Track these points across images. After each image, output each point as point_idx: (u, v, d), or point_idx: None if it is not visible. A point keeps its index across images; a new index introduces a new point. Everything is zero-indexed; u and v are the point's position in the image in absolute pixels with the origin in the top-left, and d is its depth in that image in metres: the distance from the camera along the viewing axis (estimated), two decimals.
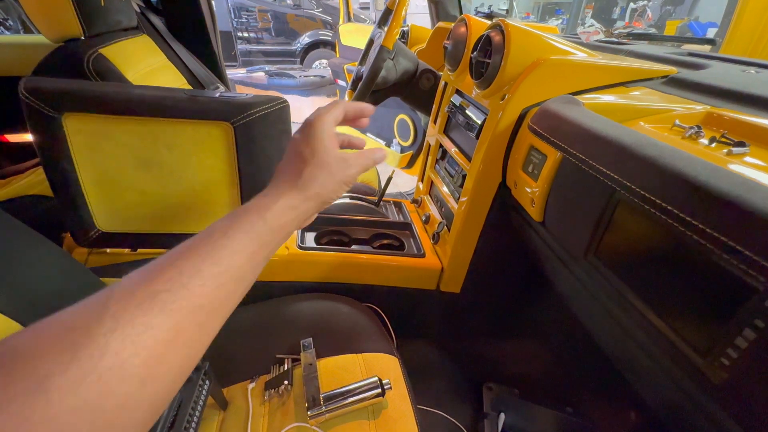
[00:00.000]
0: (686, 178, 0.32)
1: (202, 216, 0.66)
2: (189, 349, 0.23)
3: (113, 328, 0.20)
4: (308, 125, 0.34)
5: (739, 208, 0.28)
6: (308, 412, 0.49)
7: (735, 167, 0.39)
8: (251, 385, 0.55)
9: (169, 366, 0.21)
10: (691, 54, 0.84)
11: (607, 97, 0.61)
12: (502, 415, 0.73)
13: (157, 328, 0.21)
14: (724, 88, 0.57)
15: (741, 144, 0.43)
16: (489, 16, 1.34)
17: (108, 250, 0.69)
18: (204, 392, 0.47)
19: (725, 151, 0.43)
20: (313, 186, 0.32)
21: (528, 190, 0.60)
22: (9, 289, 0.47)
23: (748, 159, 0.42)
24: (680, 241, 0.33)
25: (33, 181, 1.01)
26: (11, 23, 2.25)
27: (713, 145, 0.45)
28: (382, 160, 0.38)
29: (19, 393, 0.17)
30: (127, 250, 0.70)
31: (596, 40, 1.08)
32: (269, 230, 0.29)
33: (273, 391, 0.53)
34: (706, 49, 1.05)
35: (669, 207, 0.33)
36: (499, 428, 0.72)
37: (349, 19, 2.95)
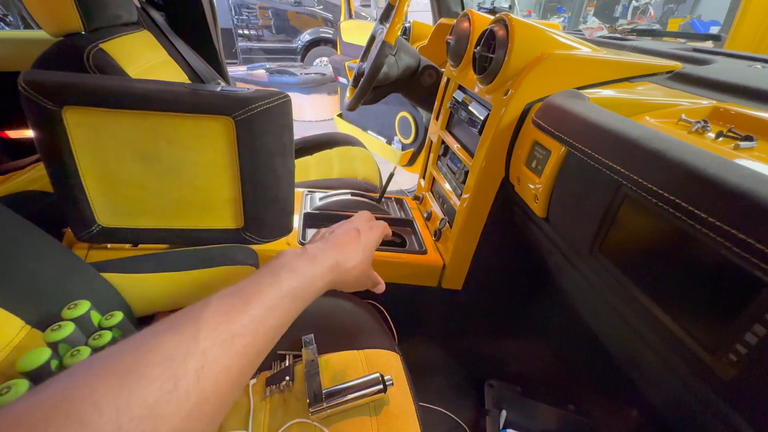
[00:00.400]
0: (695, 171, 0.32)
1: (202, 211, 0.66)
2: (238, 376, 0.25)
3: (203, 366, 0.22)
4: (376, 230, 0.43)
5: (749, 201, 0.27)
6: (310, 408, 0.49)
7: (743, 161, 0.38)
8: (252, 381, 0.54)
9: (227, 397, 0.24)
10: (696, 50, 0.83)
11: (612, 92, 0.61)
12: (504, 412, 0.73)
13: (233, 368, 0.24)
14: (731, 82, 0.57)
15: (748, 138, 0.42)
16: (492, 11, 1.33)
17: (108, 246, 0.69)
18: None
19: (732, 145, 0.43)
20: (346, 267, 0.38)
21: (531, 186, 0.59)
22: (9, 285, 0.47)
23: (756, 153, 0.41)
24: (688, 236, 0.33)
25: (33, 177, 1.00)
26: (11, 19, 2.24)
27: (720, 139, 0.45)
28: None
29: None
30: (127, 246, 0.70)
31: (599, 36, 1.07)
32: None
33: (274, 386, 0.53)
34: (710, 45, 1.04)
35: (677, 200, 0.32)
36: (501, 425, 0.71)
37: (350, 16, 2.94)
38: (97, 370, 0.19)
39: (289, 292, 0.30)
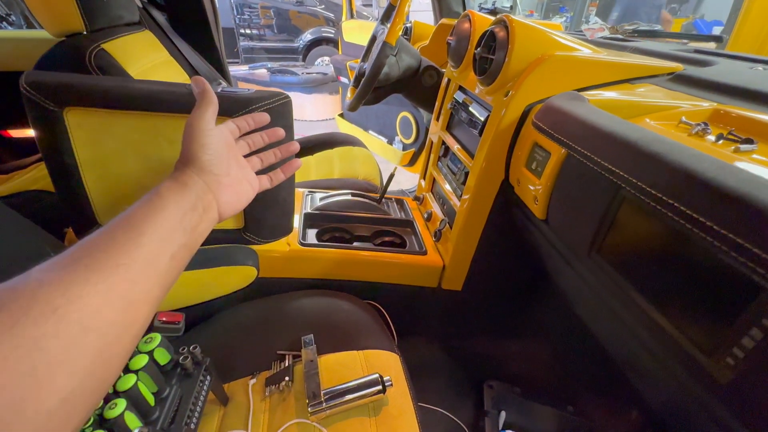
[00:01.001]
0: (694, 174, 0.32)
1: None
2: (125, 304, 0.26)
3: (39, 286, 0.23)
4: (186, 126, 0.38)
5: (747, 205, 0.27)
6: (309, 408, 0.49)
7: (743, 165, 0.38)
8: (252, 381, 0.55)
9: (106, 317, 0.24)
10: (697, 51, 0.83)
11: (612, 94, 0.60)
12: (503, 413, 0.73)
13: (106, 306, 0.24)
14: (732, 85, 0.56)
15: (749, 141, 0.42)
16: (493, 12, 1.33)
17: None
18: (205, 388, 0.47)
19: (733, 148, 0.43)
20: (186, 156, 0.36)
21: (531, 187, 0.59)
22: None
23: (756, 156, 0.41)
24: (686, 239, 0.33)
25: (35, 177, 1.01)
26: (14, 18, 2.25)
27: (720, 142, 0.45)
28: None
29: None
30: None
31: (601, 37, 1.07)
32: (170, 206, 0.32)
33: (274, 387, 0.53)
34: (712, 46, 1.03)
35: (675, 203, 0.32)
36: (500, 426, 0.71)
37: (352, 16, 2.94)
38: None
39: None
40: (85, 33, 0.78)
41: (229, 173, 0.38)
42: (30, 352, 0.20)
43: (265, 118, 0.46)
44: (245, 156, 0.45)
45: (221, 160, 0.37)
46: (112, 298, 0.25)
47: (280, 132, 0.47)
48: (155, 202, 0.31)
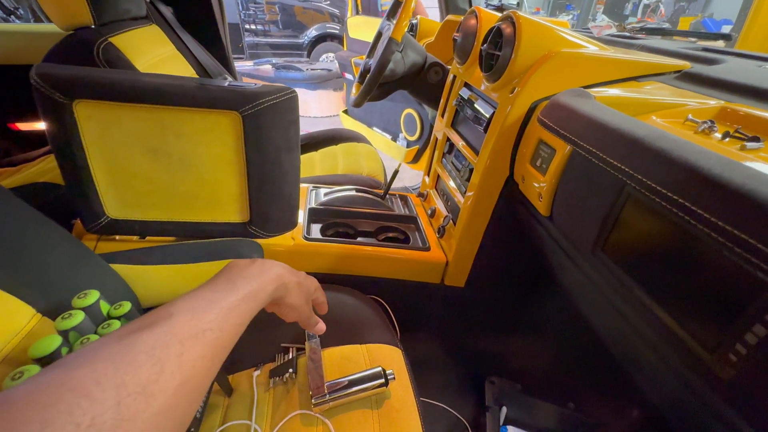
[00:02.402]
0: (700, 170, 0.32)
1: (209, 205, 0.67)
2: (212, 375, 0.28)
3: (182, 353, 0.25)
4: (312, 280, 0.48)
5: (753, 202, 0.27)
6: (312, 400, 0.49)
7: (749, 163, 0.38)
8: (256, 373, 0.55)
9: (203, 388, 0.26)
10: (705, 49, 0.82)
11: (619, 91, 0.60)
12: (504, 409, 0.73)
13: (206, 358, 0.26)
14: (739, 83, 0.56)
15: (755, 139, 0.42)
16: (500, 8, 1.33)
17: (117, 237, 0.70)
18: None
19: (739, 146, 0.42)
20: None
21: (536, 184, 0.59)
22: (21, 274, 0.48)
23: (762, 154, 0.41)
24: (691, 236, 0.33)
25: (43, 169, 1.02)
26: (22, 12, 2.26)
27: (727, 140, 0.44)
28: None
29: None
30: (135, 238, 0.71)
31: (608, 35, 1.06)
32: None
33: (278, 379, 0.54)
34: (720, 44, 1.03)
35: (681, 200, 0.32)
36: (501, 422, 0.72)
37: (357, 12, 2.93)
38: (91, 357, 0.22)
39: (246, 295, 0.34)
40: (93, 26, 0.79)
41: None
42: (162, 423, 0.22)
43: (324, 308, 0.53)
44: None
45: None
46: (211, 372, 0.27)
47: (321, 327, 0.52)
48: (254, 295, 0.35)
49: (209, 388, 0.47)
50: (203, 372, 0.26)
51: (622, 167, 0.40)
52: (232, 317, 0.31)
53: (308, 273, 0.80)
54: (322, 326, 0.50)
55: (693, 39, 1.08)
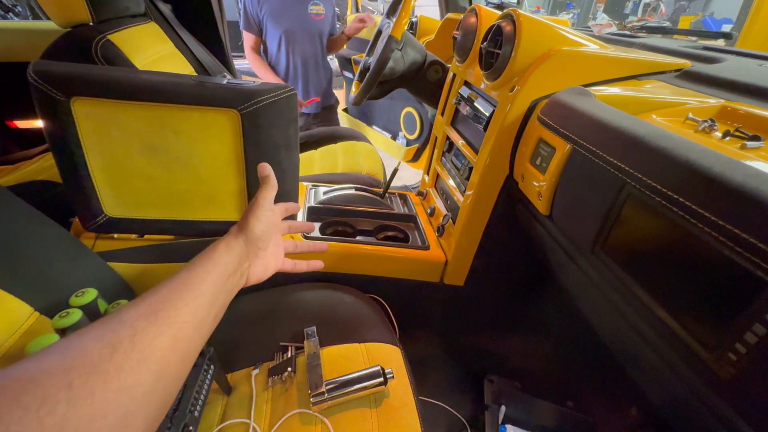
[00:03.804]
0: (699, 169, 0.32)
1: (207, 203, 0.66)
2: (184, 355, 0.29)
3: (134, 334, 0.25)
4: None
5: (753, 200, 0.27)
6: (311, 399, 0.49)
7: (749, 162, 0.38)
8: (255, 372, 0.55)
9: (174, 367, 0.27)
10: (706, 48, 0.82)
11: (619, 90, 0.60)
12: (503, 408, 0.73)
13: (163, 335, 0.27)
14: (740, 81, 0.56)
15: (756, 138, 0.42)
16: (500, 6, 1.32)
17: (115, 236, 0.70)
18: (208, 377, 0.48)
19: (739, 145, 0.42)
20: (242, 226, 0.40)
21: (535, 183, 0.59)
22: (19, 272, 0.48)
23: (763, 153, 0.41)
24: (690, 234, 0.33)
25: (41, 167, 1.01)
26: (20, 9, 2.25)
27: (727, 138, 0.44)
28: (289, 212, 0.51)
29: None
30: (133, 236, 0.71)
31: (608, 33, 1.06)
32: (220, 269, 0.36)
33: (276, 377, 0.54)
34: (721, 43, 1.02)
35: (681, 199, 0.32)
36: (500, 420, 0.72)
37: (357, 10, 2.92)
38: (38, 354, 0.22)
39: (203, 270, 0.34)
40: (91, 24, 0.79)
41: (266, 248, 0.43)
42: (124, 400, 0.23)
43: (297, 207, 0.53)
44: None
45: (267, 235, 0.42)
46: (176, 350, 0.28)
47: (311, 226, 0.55)
48: (210, 265, 0.35)
49: (200, 381, 0.47)
50: (165, 349, 0.26)
51: (622, 166, 0.40)
52: (187, 295, 0.31)
53: (307, 272, 0.81)
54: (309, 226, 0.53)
55: (693, 38, 1.08)
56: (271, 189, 0.44)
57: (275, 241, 0.46)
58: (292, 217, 0.55)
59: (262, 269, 0.43)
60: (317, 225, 0.87)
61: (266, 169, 0.45)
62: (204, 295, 0.32)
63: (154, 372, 0.25)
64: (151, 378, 0.25)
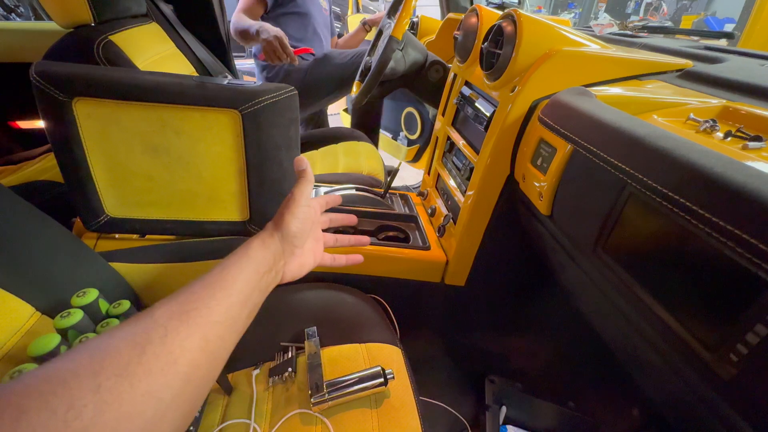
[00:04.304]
0: (700, 170, 0.32)
1: (209, 203, 0.67)
2: (214, 356, 0.28)
3: (165, 334, 0.24)
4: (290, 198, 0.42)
5: (755, 201, 0.27)
6: (311, 399, 0.49)
7: (751, 163, 0.38)
8: (256, 372, 0.55)
9: (204, 369, 0.26)
10: (707, 48, 0.82)
11: (620, 90, 0.60)
12: (504, 408, 0.73)
13: (194, 336, 0.26)
14: (742, 81, 0.56)
15: (757, 138, 0.42)
16: (501, 6, 1.32)
17: (116, 236, 0.70)
18: None
19: (741, 145, 0.42)
20: (278, 223, 0.39)
21: (536, 183, 0.59)
22: (21, 272, 0.48)
23: (764, 154, 0.41)
24: (692, 235, 0.33)
25: (44, 167, 1.02)
26: (22, 10, 2.26)
27: (728, 139, 0.44)
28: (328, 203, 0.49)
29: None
30: (135, 236, 0.71)
31: (610, 33, 1.06)
32: (254, 267, 0.35)
33: (277, 377, 0.54)
34: (723, 43, 1.02)
35: (682, 200, 0.32)
36: (501, 421, 0.72)
37: (358, 10, 2.93)
38: (68, 353, 0.22)
39: (235, 269, 0.33)
40: (93, 24, 0.79)
41: (304, 246, 0.42)
42: (152, 403, 0.22)
43: (338, 200, 0.52)
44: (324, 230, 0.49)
45: (304, 232, 0.41)
46: (207, 351, 0.27)
47: (354, 218, 0.53)
48: (243, 262, 0.34)
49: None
50: (195, 350, 0.26)
51: (623, 166, 0.40)
52: (219, 293, 0.30)
53: (308, 271, 0.81)
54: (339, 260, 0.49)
55: (695, 37, 1.08)
56: (307, 183, 0.42)
57: (314, 236, 0.45)
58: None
59: (297, 267, 0.41)
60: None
61: (303, 163, 0.43)
62: (237, 294, 0.31)
63: (182, 375, 0.24)
64: (180, 381, 0.24)
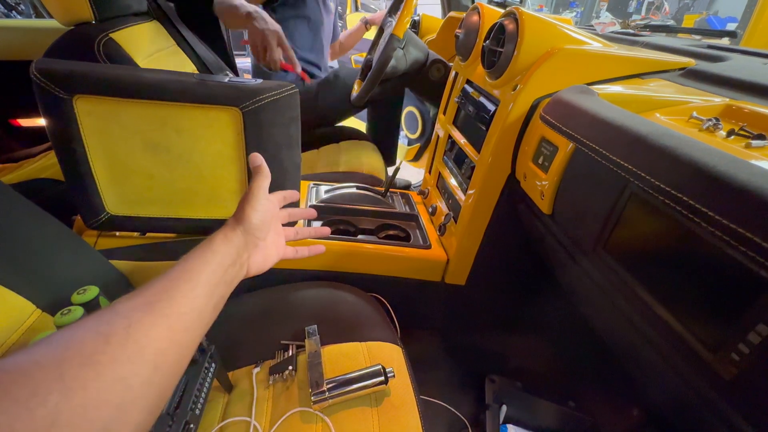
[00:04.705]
0: (703, 168, 0.31)
1: (208, 201, 0.67)
2: (181, 346, 0.28)
3: (129, 325, 0.25)
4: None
5: (758, 199, 0.27)
6: (312, 398, 0.49)
7: (754, 161, 0.38)
8: (256, 370, 0.55)
9: (171, 357, 0.27)
10: (710, 46, 0.82)
11: (622, 88, 0.60)
12: (504, 407, 0.73)
13: (159, 326, 0.26)
14: (745, 80, 0.56)
15: (760, 137, 0.42)
16: (502, 5, 1.32)
17: (117, 234, 0.70)
18: (209, 375, 0.48)
19: (744, 144, 0.42)
20: (239, 217, 0.40)
21: (538, 182, 0.59)
22: (22, 269, 0.48)
23: None
24: (694, 234, 0.33)
25: (44, 165, 1.02)
26: (23, 7, 2.26)
27: (731, 137, 0.44)
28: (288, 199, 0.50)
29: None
30: (135, 234, 0.71)
31: (612, 32, 1.06)
32: (218, 260, 0.36)
33: (277, 376, 0.54)
34: (725, 42, 1.02)
35: (685, 198, 0.32)
36: (501, 420, 0.72)
37: (357, 9, 2.92)
38: (31, 347, 0.22)
39: (196, 259, 0.34)
40: (93, 22, 0.79)
41: (266, 238, 0.43)
42: (119, 390, 0.23)
43: (295, 195, 0.54)
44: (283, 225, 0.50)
45: (265, 224, 0.42)
46: (174, 341, 0.27)
47: (312, 212, 0.55)
48: (207, 256, 0.35)
49: (200, 378, 0.47)
50: (161, 340, 0.26)
51: (625, 165, 0.40)
52: (184, 286, 0.31)
53: (309, 270, 0.81)
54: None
55: (698, 36, 1.07)
56: (264, 178, 0.44)
57: (275, 230, 0.46)
58: (293, 205, 0.55)
59: (262, 259, 0.43)
60: (318, 223, 0.87)
61: (257, 159, 0.45)
62: (201, 286, 0.32)
63: (150, 362, 0.25)
64: (148, 368, 0.24)
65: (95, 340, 0.23)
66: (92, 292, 0.49)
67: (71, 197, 0.62)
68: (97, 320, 0.25)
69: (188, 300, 0.30)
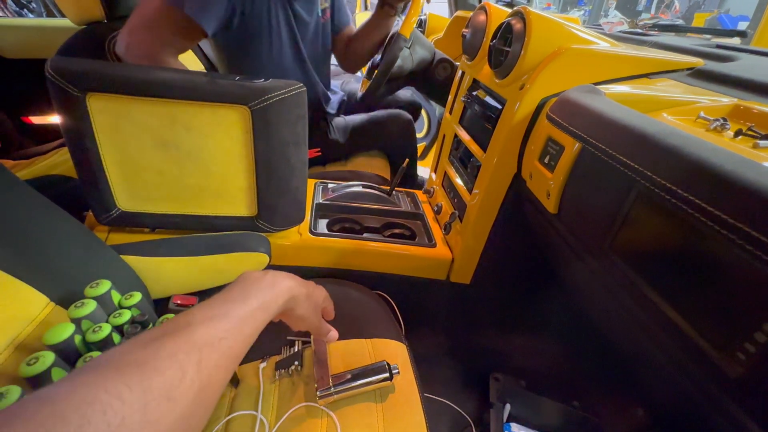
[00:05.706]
0: (710, 167, 0.31)
1: (217, 198, 0.67)
2: (225, 372, 0.29)
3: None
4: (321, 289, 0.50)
5: (765, 199, 0.27)
6: (317, 393, 0.50)
7: (762, 161, 0.38)
8: (262, 365, 0.56)
9: (216, 383, 0.28)
10: (719, 46, 0.81)
11: (630, 88, 0.60)
12: (508, 406, 0.73)
13: (209, 348, 0.28)
14: (754, 80, 0.55)
15: None
16: (510, 4, 1.31)
17: (127, 229, 0.71)
18: None
19: (751, 144, 0.42)
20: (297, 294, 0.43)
21: (544, 182, 0.59)
22: (35, 263, 0.49)
23: None
24: (701, 233, 0.33)
25: (55, 161, 1.03)
26: (34, 6, 2.29)
27: (739, 137, 0.44)
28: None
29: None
30: (145, 230, 0.72)
31: (620, 31, 1.05)
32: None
33: (283, 371, 0.55)
34: (736, 41, 1.01)
35: (692, 197, 0.32)
36: (504, 419, 0.72)
37: (366, 8, 2.92)
38: (119, 361, 0.24)
39: (258, 306, 0.36)
40: (105, 21, 0.80)
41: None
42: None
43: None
44: None
45: (300, 320, 0.46)
46: (229, 357, 0.30)
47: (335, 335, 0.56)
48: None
49: None
50: (218, 379, 0.28)
51: (632, 164, 0.40)
52: (245, 327, 0.32)
53: (315, 267, 0.82)
54: (334, 334, 0.51)
55: (707, 36, 1.06)
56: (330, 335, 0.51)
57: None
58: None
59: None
60: (324, 221, 0.88)
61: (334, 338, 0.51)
62: (252, 327, 0.34)
63: (206, 402, 0.26)
64: (203, 408, 0.26)
65: (174, 373, 0.24)
66: (104, 285, 0.50)
67: (83, 193, 0.63)
68: (175, 347, 0.26)
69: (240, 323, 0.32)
